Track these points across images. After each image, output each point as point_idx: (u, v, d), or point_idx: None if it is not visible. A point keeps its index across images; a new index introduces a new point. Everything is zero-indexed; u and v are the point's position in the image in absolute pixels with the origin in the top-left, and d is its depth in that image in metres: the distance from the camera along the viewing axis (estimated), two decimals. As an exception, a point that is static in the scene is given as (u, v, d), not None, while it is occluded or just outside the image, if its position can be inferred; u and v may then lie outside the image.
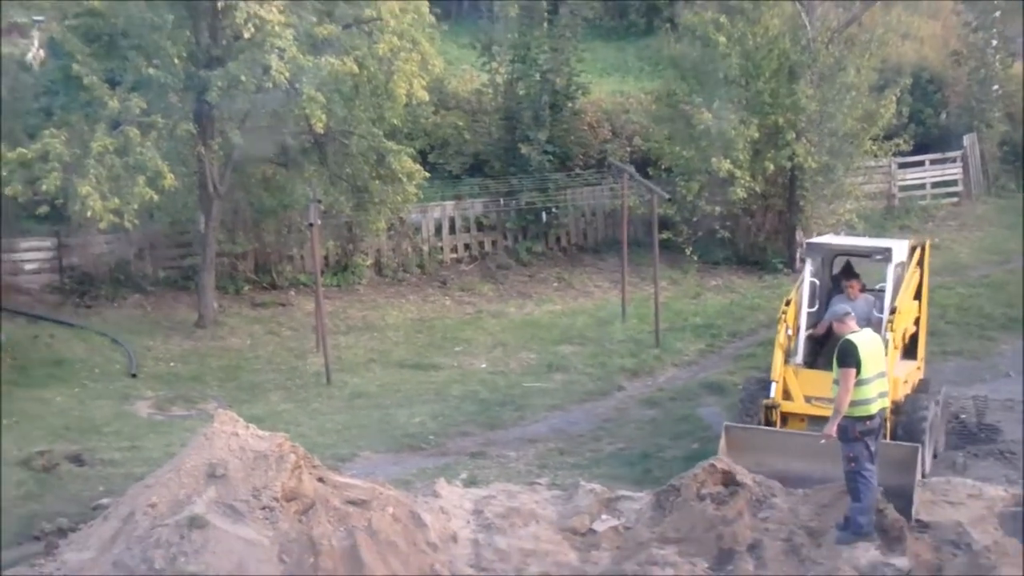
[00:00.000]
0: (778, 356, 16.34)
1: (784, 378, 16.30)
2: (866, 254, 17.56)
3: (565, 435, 19.27)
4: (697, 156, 27.82)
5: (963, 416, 19.13)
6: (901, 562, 13.49)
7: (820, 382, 15.84)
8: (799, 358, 16.60)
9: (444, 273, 28.89)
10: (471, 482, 16.54)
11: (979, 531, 14.48)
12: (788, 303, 16.75)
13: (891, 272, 16.72)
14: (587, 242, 30.74)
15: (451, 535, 14.17)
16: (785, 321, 16.46)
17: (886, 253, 16.83)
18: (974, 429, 18.74)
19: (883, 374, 14.26)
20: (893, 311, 16.36)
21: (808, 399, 16.15)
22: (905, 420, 15.95)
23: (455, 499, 15.29)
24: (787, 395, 16.28)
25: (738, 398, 17.26)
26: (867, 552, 13.63)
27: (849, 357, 13.90)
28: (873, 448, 14.06)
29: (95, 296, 25.81)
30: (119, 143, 21.52)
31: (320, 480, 13.77)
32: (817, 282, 17.16)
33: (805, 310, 16.78)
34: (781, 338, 16.39)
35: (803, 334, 16.70)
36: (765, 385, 16.39)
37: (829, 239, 18.85)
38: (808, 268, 17.12)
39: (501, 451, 18.49)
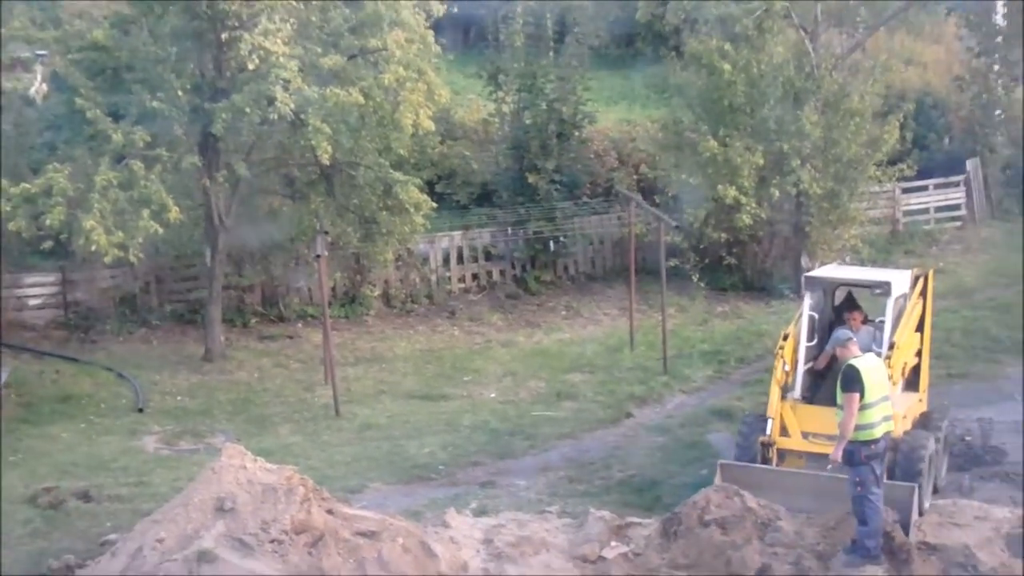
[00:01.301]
0: (775, 392, 16.06)
1: (781, 414, 16.01)
2: (866, 287, 17.36)
3: (575, 463, 19.23)
4: (703, 183, 27.84)
5: (969, 438, 19.12)
6: (910, 585, 13.47)
7: (819, 418, 15.67)
8: (797, 393, 16.35)
9: (452, 303, 28.89)
10: (481, 512, 16.52)
11: (986, 553, 14.49)
12: (786, 337, 16.43)
13: (890, 306, 16.46)
14: (595, 270, 30.76)
15: (462, 565, 14.14)
16: (782, 356, 16.17)
17: (885, 287, 16.56)
18: (980, 451, 18.73)
19: (887, 398, 14.30)
20: (891, 346, 16.12)
21: (806, 435, 15.88)
22: (903, 458, 15.65)
23: (465, 529, 15.27)
24: (785, 431, 15.98)
25: (736, 433, 17.04)
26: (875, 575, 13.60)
27: (853, 382, 13.92)
28: (879, 471, 14.06)
29: (101, 331, 25.84)
30: (123, 177, 21.57)
31: (330, 512, 13.75)
32: (816, 316, 16.89)
33: (804, 344, 16.54)
34: (778, 374, 16.10)
35: (801, 368, 16.46)
36: (762, 421, 16.11)
37: (828, 272, 18.52)
38: (807, 301, 16.81)
39: (511, 480, 18.46)
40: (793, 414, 16.07)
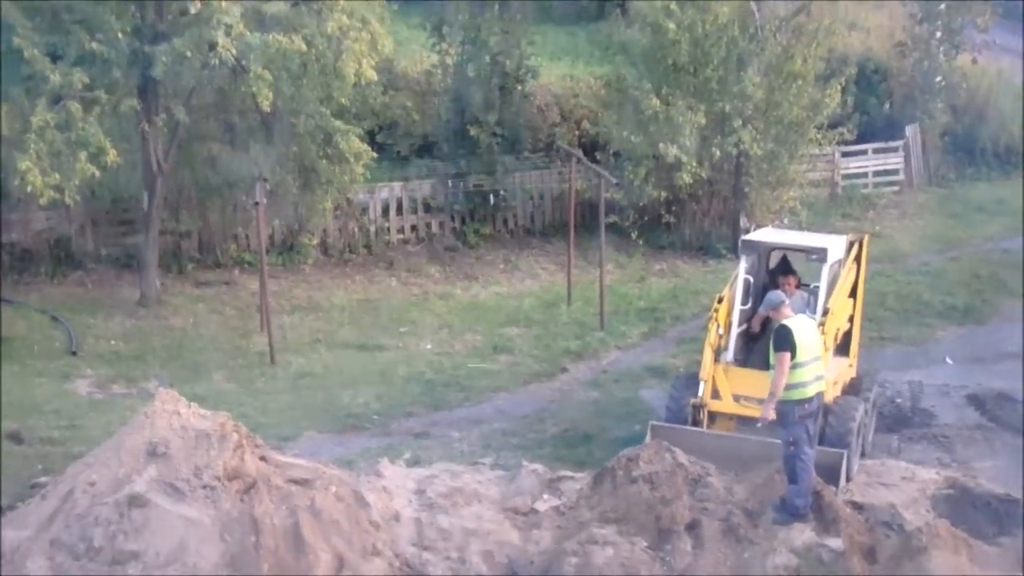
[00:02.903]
0: (708, 355, 16.11)
1: (713, 377, 16.09)
2: (802, 251, 17.37)
3: (509, 416, 19.35)
4: (645, 141, 27.88)
5: (898, 401, 19.40)
6: (835, 543, 13.68)
7: (750, 381, 15.80)
8: (730, 355, 16.42)
9: (391, 254, 28.82)
10: (414, 462, 16.61)
11: (912, 512, 14.80)
12: (720, 300, 16.48)
13: (826, 272, 16.53)
14: (534, 225, 30.77)
15: (394, 514, 14.23)
16: (716, 320, 16.21)
17: (821, 253, 16.57)
18: (909, 414, 19.03)
19: (818, 358, 14.45)
20: (825, 312, 16.18)
21: (737, 398, 15.99)
22: (832, 426, 15.79)
23: (398, 479, 15.36)
24: (716, 394, 16.07)
25: (667, 393, 17.06)
26: (803, 533, 13.82)
27: (784, 341, 14.07)
28: (811, 431, 14.24)
29: (35, 273, 25.59)
30: (60, 118, 21.29)
31: (262, 459, 13.76)
32: (751, 279, 16.91)
33: (738, 307, 16.59)
34: (712, 337, 16.14)
35: (735, 331, 16.51)
36: (693, 382, 16.23)
37: (765, 235, 18.39)
38: (742, 265, 16.85)
39: (445, 432, 18.55)
40: (725, 377, 16.16)
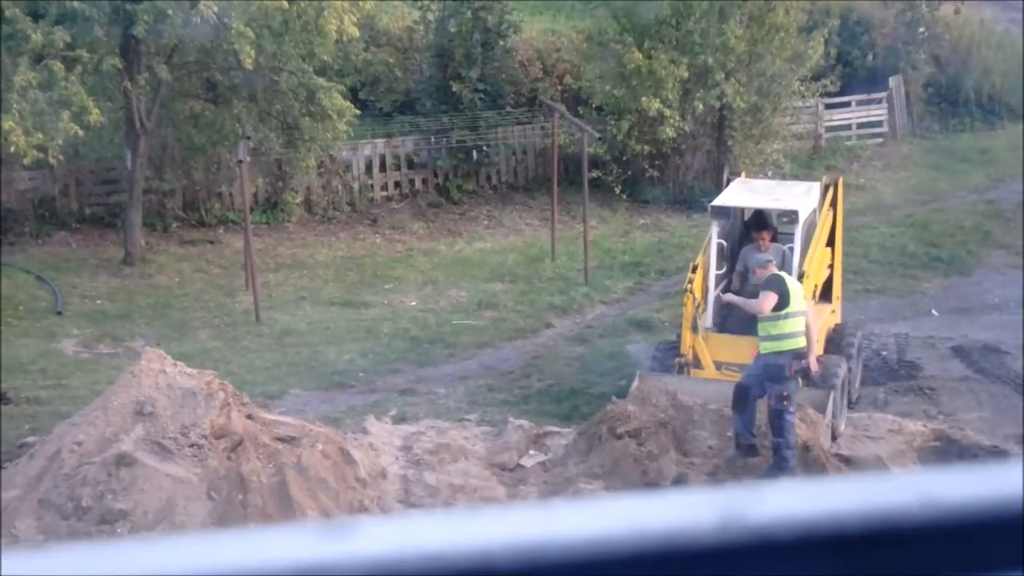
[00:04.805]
0: (687, 331, 15.84)
1: (694, 347, 15.90)
2: (773, 210, 16.96)
3: (494, 372, 19.39)
4: (627, 95, 27.83)
5: (884, 353, 19.48)
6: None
7: (732, 347, 15.70)
8: (709, 321, 16.18)
9: (374, 211, 28.78)
10: (400, 419, 16.65)
11: (899, 465, 14.85)
12: (695, 270, 16.03)
13: (798, 234, 16.17)
14: (518, 180, 30.71)
15: (380, 471, 14.28)
16: (692, 292, 15.72)
17: (791, 215, 16.28)
18: (895, 366, 19.11)
19: (803, 313, 14.43)
20: (802, 276, 15.71)
21: (719, 366, 15.84)
22: (818, 384, 15.55)
23: (384, 436, 15.42)
24: (698, 362, 15.89)
25: (651, 360, 16.96)
26: (789, 486, 13.88)
27: (775, 286, 14.05)
28: (797, 385, 14.30)
29: (19, 233, 25.50)
30: (43, 78, 21.18)
31: (249, 417, 13.80)
32: (725, 243, 16.65)
33: (713, 273, 16.31)
34: (688, 312, 15.74)
35: (712, 295, 16.27)
36: (676, 350, 16.07)
37: (735, 199, 17.63)
38: (714, 230, 16.49)
39: (431, 388, 18.58)
40: (705, 344, 15.97)
